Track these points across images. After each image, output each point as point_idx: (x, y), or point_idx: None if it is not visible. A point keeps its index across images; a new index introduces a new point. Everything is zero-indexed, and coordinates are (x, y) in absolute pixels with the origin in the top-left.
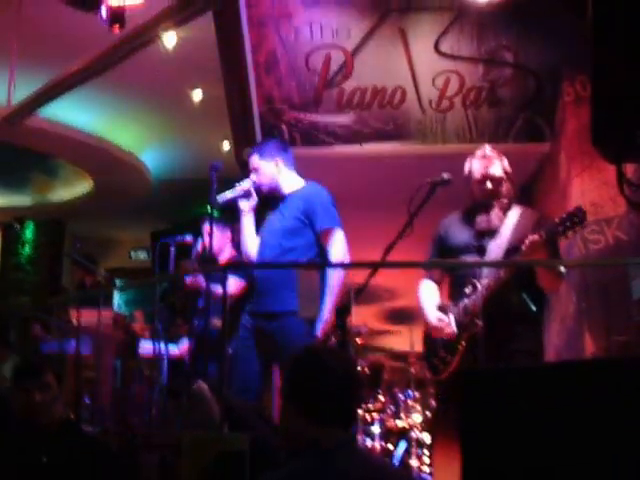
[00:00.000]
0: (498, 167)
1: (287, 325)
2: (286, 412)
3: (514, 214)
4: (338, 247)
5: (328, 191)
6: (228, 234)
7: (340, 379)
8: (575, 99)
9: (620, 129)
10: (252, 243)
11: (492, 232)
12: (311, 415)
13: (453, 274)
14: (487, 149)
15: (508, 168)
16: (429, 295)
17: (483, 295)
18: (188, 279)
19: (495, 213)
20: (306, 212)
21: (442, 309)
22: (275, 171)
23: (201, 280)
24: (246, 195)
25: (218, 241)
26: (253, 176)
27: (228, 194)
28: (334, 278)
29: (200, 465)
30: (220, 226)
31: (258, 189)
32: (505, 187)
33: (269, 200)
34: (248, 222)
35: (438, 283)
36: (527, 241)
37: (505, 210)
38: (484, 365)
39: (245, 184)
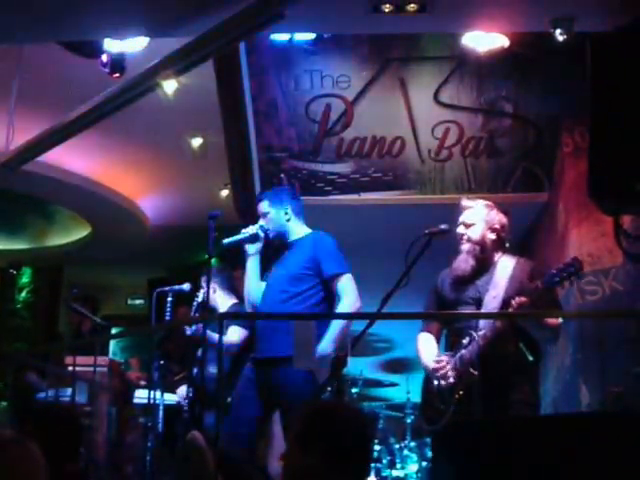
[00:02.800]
0: (470, 215)
1: (289, 371)
2: (298, 460)
3: (508, 264)
4: (348, 292)
5: (333, 237)
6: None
7: (355, 430)
8: (574, 150)
9: (617, 182)
10: (255, 286)
11: (465, 278)
12: (325, 463)
13: (449, 326)
14: (462, 200)
15: (490, 217)
16: (427, 346)
17: (480, 345)
18: (189, 331)
19: (463, 258)
20: (312, 260)
21: (440, 361)
22: (284, 219)
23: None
24: (252, 239)
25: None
26: (262, 221)
27: (235, 237)
28: (337, 321)
29: None
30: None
31: (266, 234)
32: (478, 234)
33: (275, 246)
34: (253, 265)
35: (436, 336)
36: (515, 303)
37: (476, 257)
38: (480, 416)
39: (252, 229)
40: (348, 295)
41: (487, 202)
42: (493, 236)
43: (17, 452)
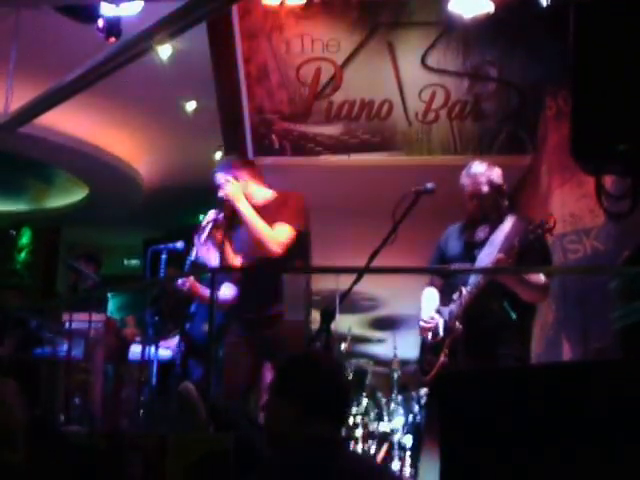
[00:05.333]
0: (484, 184)
1: (278, 326)
2: (278, 410)
3: (507, 223)
4: (283, 234)
5: (301, 197)
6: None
7: (333, 379)
8: (557, 113)
9: (599, 142)
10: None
11: (478, 244)
12: (305, 412)
13: (446, 281)
14: (474, 166)
15: (498, 180)
16: (429, 299)
17: (465, 300)
18: (181, 283)
19: (482, 228)
20: (277, 217)
21: (438, 313)
22: (240, 185)
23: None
24: (215, 222)
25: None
26: (220, 192)
27: (203, 236)
28: (280, 234)
29: (185, 464)
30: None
31: (227, 204)
32: (492, 202)
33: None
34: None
35: (439, 289)
36: (494, 259)
37: (493, 223)
38: (464, 367)
39: (208, 216)
40: (281, 235)
41: (487, 164)
42: (499, 197)
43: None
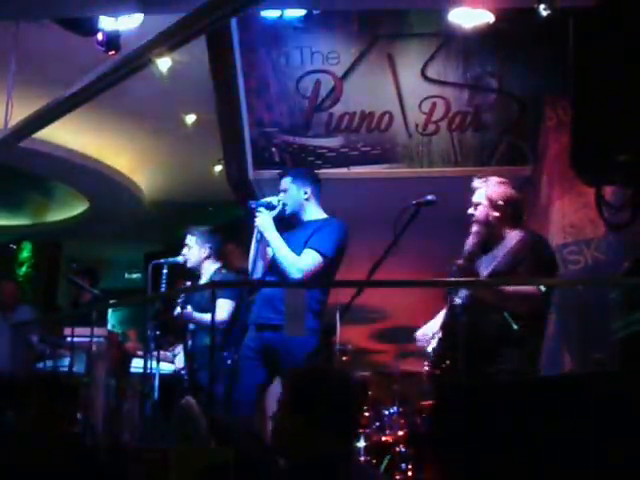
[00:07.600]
0: (477, 196)
1: (292, 339)
2: (288, 425)
3: (512, 238)
4: (307, 262)
5: (342, 224)
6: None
7: (339, 394)
8: (557, 124)
9: (599, 152)
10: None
11: (471, 256)
12: (314, 427)
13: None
14: (474, 181)
15: (494, 195)
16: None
17: (453, 313)
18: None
19: (470, 238)
20: (310, 240)
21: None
22: (303, 197)
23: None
24: (270, 207)
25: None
26: (281, 195)
27: (265, 200)
28: (303, 260)
29: (187, 478)
30: (200, 241)
31: (282, 209)
32: (482, 214)
33: (287, 223)
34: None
35: None
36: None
37: (482, 236)
38: (464, 378)
39: (273, 198)
40: (304, 262)
41: (497, 179)
42: (496, 213)
43: None
